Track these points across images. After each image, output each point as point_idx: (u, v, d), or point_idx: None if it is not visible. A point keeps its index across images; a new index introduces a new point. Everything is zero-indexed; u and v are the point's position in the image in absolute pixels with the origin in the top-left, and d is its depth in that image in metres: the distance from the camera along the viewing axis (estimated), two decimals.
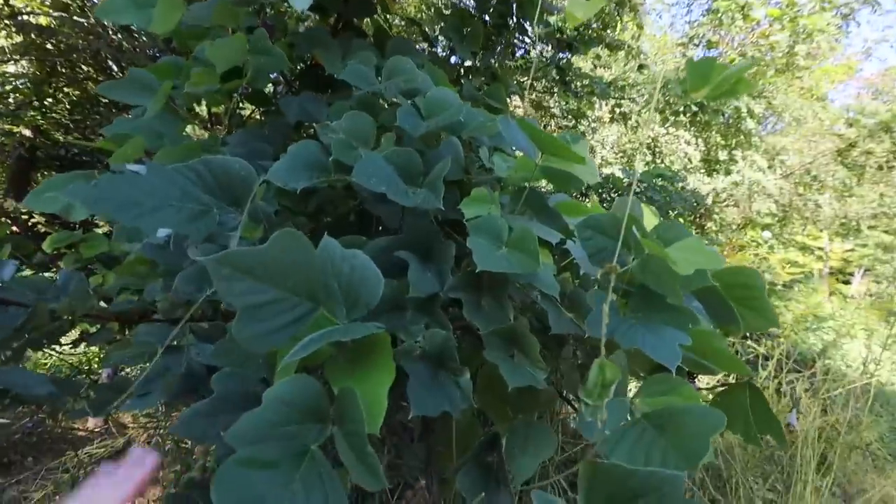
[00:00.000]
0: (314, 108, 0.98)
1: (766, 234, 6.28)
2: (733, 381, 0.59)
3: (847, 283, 6.89)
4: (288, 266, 0.40)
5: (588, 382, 0.37)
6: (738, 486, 1.70)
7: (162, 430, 2.04)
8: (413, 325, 0.57)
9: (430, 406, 0.47)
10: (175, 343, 0.73)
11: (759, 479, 1.76)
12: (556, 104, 4.18)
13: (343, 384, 0.38)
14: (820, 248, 6.46)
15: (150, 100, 0.84)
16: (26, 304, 0.55)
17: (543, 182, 0.97)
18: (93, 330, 1.32)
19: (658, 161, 5.45)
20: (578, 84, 3.03)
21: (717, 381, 0.65)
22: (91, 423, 2.19)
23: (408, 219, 0.75)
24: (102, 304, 1.18)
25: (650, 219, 0.77)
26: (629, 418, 0.46)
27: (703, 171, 5.70)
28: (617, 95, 4.19)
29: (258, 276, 0.39)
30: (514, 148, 1.03)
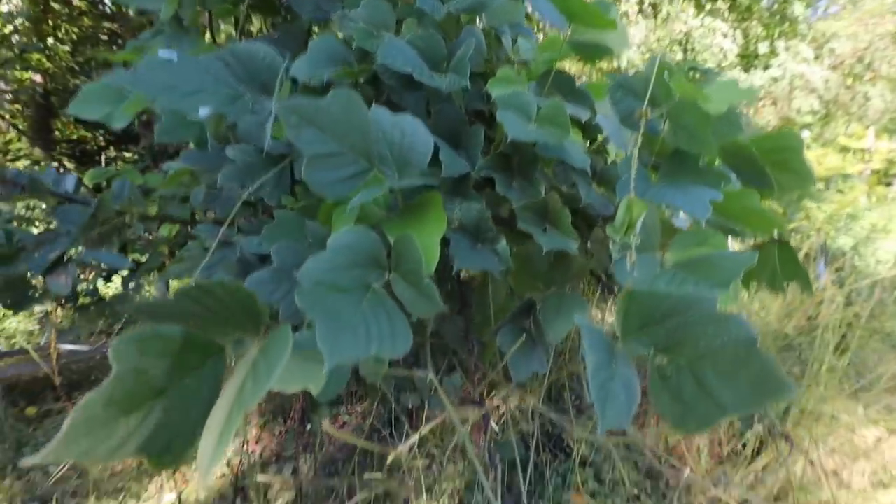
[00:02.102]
0: (329, 6, 0.94)
1: (805, 133, 5.88)
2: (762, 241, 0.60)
3: (889, 184, 6.50)
4: (346, 122, 0.43)
5: (616, 219, 0.39)
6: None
7: None
8: (447, 204, 0.60)
9: (472, 262, 0.52)
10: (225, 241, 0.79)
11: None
12: None
13: (398, 233, 0.41)
14: (862, 150, 6.04)
15: (163, 4, 0.83)
16: (88, 203, 0.61)
17: None
18: (143, 259, 1.43)
19: (690, 58, 5.01)
20: None
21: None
22: None
23: (435, 107, 0.75)
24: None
25: None
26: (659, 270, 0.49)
27: (739, 67, 5.23)
28: None
29: (322, 127, 0.42)
30: (536, 34, 0.98)
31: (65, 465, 1.89)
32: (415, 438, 0.47)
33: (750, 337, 0.31)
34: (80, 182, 0.73)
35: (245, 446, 1.48)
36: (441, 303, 0.37)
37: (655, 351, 0.36)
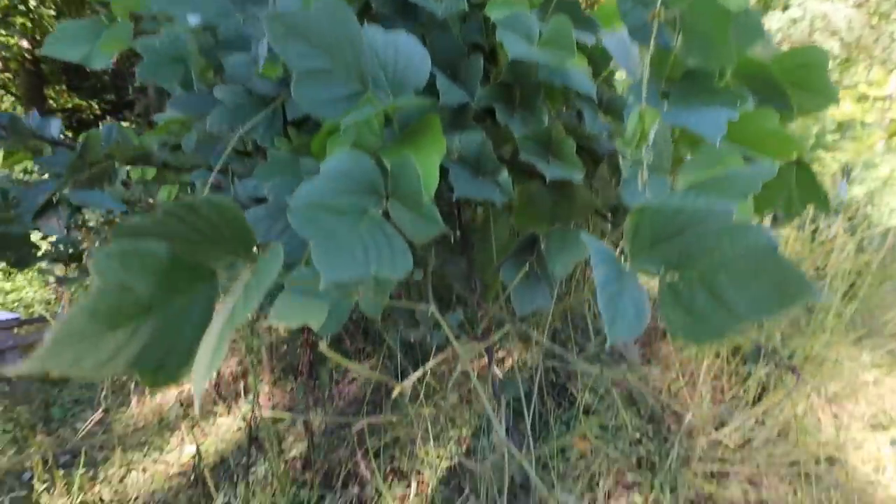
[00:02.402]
0: None
1: None
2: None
3: None
4: (335, 35, 0.41)
5: (626, 132, 0.37)
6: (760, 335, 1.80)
7: None
8: (447, 137, 0.57)
9: (472, 191, 0.50)
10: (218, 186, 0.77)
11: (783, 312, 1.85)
12: None
13: (395, 157, 0.39)
14: (882, 98, 5.73)
15: None
16: (73, 146, 0.59)
17: None
18: None
19: None
20: None
21: None
22: None
23: (430, 37, 0.70)
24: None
25: None
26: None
27: (756, 8, 4.91)
28: None
29: (311, 41, 0.40)
30: None
31: (90, 422, 1.97)
32: (419, 373, 0.47)
33: (769, 243, 0.29)
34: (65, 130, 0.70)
35: (257, 398, 1.53)
36: (442, 223, 0.35)
37: (667, 268, 0.35)
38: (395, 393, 0.43)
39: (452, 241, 0.68)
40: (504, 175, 0.53)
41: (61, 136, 0.67)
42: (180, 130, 0.85)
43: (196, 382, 0.27)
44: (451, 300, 0.74)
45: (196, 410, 1.95)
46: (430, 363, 0.47)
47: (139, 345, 0.26)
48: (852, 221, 2.34)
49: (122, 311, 0.26)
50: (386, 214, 0.41)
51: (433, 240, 0.80)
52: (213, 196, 0.30)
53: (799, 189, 0.52)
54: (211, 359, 0.27)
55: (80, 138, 1.58)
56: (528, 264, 0.61)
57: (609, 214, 0.73)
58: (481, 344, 0.53)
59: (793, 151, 0.52)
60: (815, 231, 2.37)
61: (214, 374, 1.92)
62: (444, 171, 0.51)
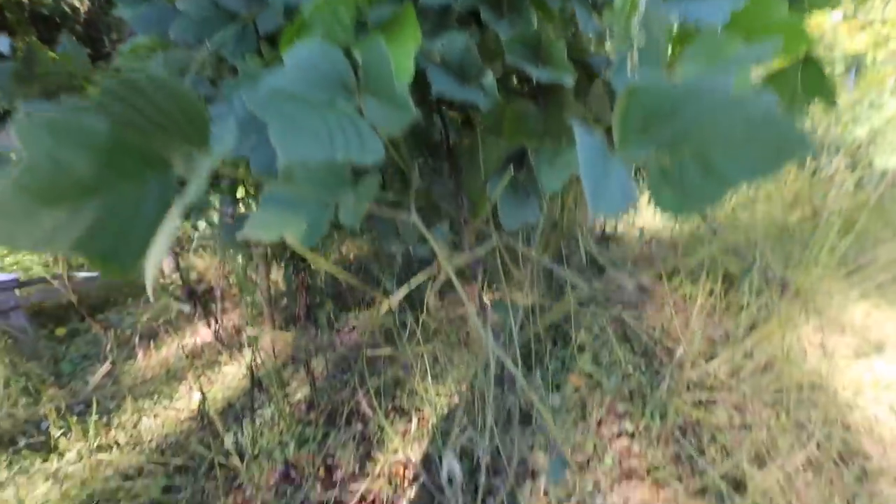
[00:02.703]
0: None
1: (837, 15, 5.30)
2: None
3: None
4: None
5: (615, 3, 0.33)
6: (755, 258, 1.81)
7: None
8: (428, 44, 0.53)
9: (454, 92, 0.46)
10: None
11: (778, 248, 1.85)
12: None
13: (366, 48, 0.36)
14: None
15: None
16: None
17: None
18: None
19: None
20: None
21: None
22: None
23: None
24: None
25: None
26: None
27: None
28: None
29: None
30: None
31: (100, 374, 2.02)
32: (405, 289, 0.46)
33: (769, 110, 0.27)
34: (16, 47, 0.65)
35: (257, 342, 1.55)
36: (414, 109, 0.32)
37: (658, 152, 0.32)
38: (383, 308, 0.43)
39: (444, 167, 0.65)
40: (489, 78, 0.50)
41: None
42: (147, 55, 0.79)
43: (147, 269, 0.25)
44: (438, 222, 0.72)
45: (149, 293, 1.99)
46: (416, 279, 0.46)
47: (84, 226, 0.24)
48: (853, 159, 2.29)
49: (59, 187, 0.23)
50: (357, 112, 0.38)
51: (419, 163, 0.76)
52: (161, 76, 0.27)
53: (804, 83, 0.49)
54: (161, 244, 0.25)
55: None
56: (515, 176, 0.58)
57: (603, 131, 0.70)
58: (466, 255, 0.51)
59: (802, 45, 0.48)
60: (815, 172, 2.33)
61: (215, 324, 1.95)
62: (425, 82, 0.47)
